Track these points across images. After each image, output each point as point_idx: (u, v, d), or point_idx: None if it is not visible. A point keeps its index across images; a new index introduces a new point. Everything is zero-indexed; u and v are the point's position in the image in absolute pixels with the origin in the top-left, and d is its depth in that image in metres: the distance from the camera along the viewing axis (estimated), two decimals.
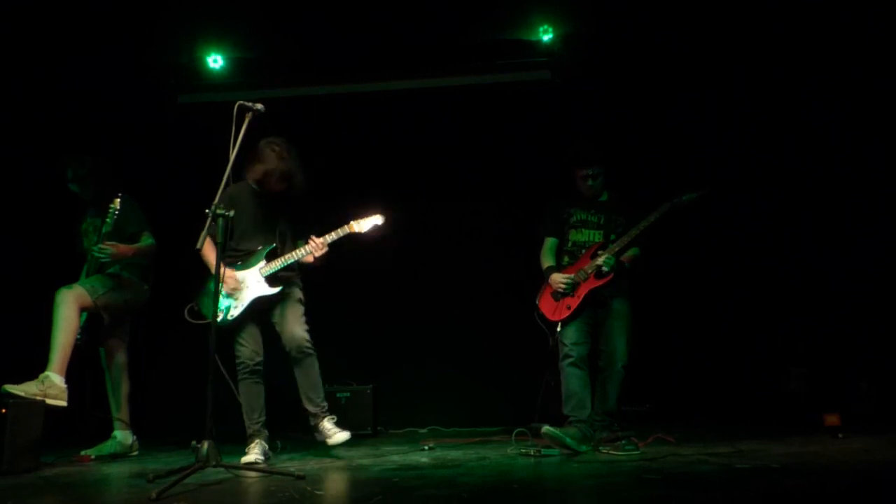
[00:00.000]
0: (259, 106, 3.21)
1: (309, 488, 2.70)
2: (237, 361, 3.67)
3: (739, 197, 4.96)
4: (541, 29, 5.23)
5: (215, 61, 5.49)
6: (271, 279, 3.66)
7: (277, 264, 3.66)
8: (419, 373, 5.20)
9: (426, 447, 3.89)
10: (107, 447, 3.99)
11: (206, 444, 2.81)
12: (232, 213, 3.10)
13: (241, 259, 3.72)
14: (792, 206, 4.94)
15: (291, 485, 2.78)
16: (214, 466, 2.83)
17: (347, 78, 5.51)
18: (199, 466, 2.79)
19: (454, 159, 5.46)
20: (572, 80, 5.25)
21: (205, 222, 3.03)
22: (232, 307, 3.63)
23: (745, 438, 3.66)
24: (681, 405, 4.83)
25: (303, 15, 4.99)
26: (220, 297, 3.45)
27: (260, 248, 3.71)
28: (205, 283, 3.68)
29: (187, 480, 2.75)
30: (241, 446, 3.65)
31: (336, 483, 2.89)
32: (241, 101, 3.22)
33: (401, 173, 5.43)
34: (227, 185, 3.16)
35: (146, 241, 4.06)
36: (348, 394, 4.65)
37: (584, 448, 3.49)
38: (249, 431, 3.65)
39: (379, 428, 4.90)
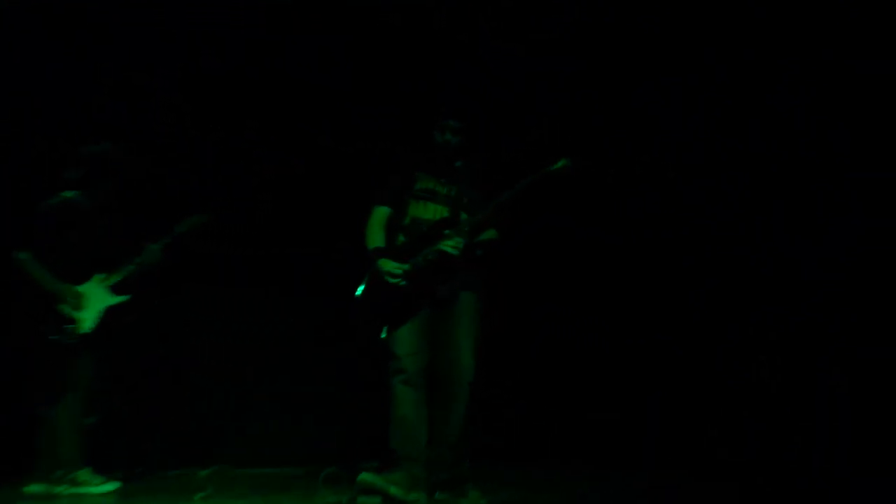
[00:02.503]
0: None
1: None
2: None
3: (707, 182, 4.77)
4: None
5: None
6: None
7: None
8: (209, 396, 4.33)
9: (198, 496, 3.15)
10: None
11: None
12: None
13: None
14: (761, 194, 4.74)
15: None
16: None
17: None
18: None
19: None
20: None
21: None
22: None
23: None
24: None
25: None
26: None
27: None
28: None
29: None
30: None
31: None
32: None
33: None
34: None
35: None
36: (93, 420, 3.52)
37: (413, 496, 2.74)
38: None
39: (143, 469, 3.93)
